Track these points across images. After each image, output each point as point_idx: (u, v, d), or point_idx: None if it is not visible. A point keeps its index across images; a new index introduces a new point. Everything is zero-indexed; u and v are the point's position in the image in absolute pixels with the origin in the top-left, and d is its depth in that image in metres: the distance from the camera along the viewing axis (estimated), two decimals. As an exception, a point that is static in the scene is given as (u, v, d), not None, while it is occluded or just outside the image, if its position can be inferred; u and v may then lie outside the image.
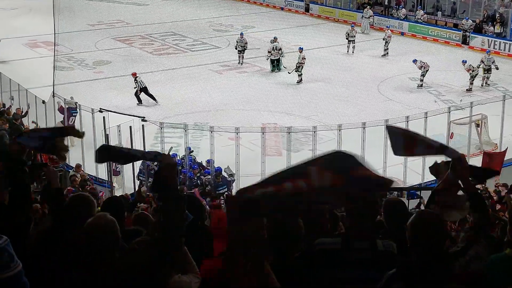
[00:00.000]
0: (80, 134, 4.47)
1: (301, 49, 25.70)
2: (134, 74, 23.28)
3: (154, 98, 23.06)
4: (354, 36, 30.19)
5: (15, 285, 3.11)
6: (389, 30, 30.93)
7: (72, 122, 19.47)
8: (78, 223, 3.72)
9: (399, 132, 3.99)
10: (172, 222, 3.39)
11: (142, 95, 22.96)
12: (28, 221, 4.32)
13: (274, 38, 27.66)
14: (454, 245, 3.62)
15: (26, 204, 4.30)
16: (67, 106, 19.63)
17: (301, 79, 25.41)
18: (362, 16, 35.48)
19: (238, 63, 28.01)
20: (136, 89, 23.01)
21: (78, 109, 19.28)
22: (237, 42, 28.30)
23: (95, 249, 3.45)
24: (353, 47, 29.91)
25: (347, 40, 30.07)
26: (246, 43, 28.18)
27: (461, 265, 3.27)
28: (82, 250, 3.49)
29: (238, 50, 28.14)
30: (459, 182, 3.74)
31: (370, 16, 35.40)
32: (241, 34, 28.46)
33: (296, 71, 25.48)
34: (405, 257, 3.47)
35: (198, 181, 16.91)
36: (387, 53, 29.33)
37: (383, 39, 29.88)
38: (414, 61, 25.20)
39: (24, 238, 4.03)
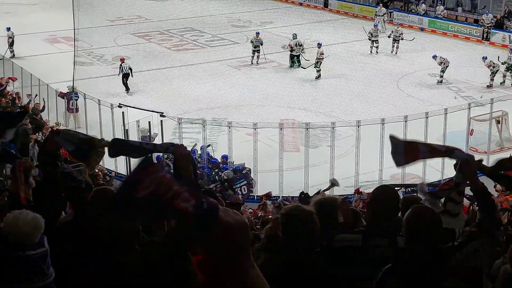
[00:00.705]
0: (107, 144, 4.47)
1: (319, 45, 25.60)
2: (122, 59, 24.14)
3: (127, 88, 23.59)
4: (377, 36, 29.18)
5: None
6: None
7: (74, 106, 19.74)
8: (100, 216, 3.74)
9: (399, 141, 3.91)
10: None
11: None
12: (57, 215, 4.36)
13: (294, 35, 27.50)
14: (454, 240, 3.59)
15: (57, 199, 4.34)
16: (67, 91, 19.93)
17: (320, 74, 25.33)
18: (376, 14, 34.22)
19: (251, 63, 27.59)
20: (120, 74, 23.72)
21: (79, 95, 19.67)
22: (251, 42, 27.90)
23: (115, 241, 3.46)
24: (377, 47, 28.89)
25: (369, 41, 29.04)
26: (262, 43, 27.62)
27: (458, 260, 3.24)
28: (103, 242, 3.50)
29: (253, 50, 27.71)
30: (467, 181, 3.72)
31: (384, 14, 34.09)
32: (257, 33, 28.03)
33: (314, 67, 25.40)
34: (401, 252, 3.47)
35: (216, 176, 16.95)
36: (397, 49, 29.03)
37: (389, 37, 29.14)
38: (434, 56, 24.99)
39: (52, 231, 4.06)
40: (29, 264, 3.05)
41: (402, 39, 28.63)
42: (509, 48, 26.29)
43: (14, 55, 28.10)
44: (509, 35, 30.50)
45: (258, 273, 2.74)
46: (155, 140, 17.28)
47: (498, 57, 24.52)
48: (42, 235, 3.15)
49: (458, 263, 3.22)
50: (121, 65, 23.94)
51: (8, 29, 28.40)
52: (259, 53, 27.54)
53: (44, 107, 20.01)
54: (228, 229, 2.59)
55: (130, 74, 23.72)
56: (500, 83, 24.45)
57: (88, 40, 28.59)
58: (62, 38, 30.66)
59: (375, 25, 29.81)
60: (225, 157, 17.14)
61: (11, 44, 28.45)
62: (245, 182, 16.67)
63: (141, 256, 3.49)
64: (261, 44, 27.56)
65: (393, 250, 3.64)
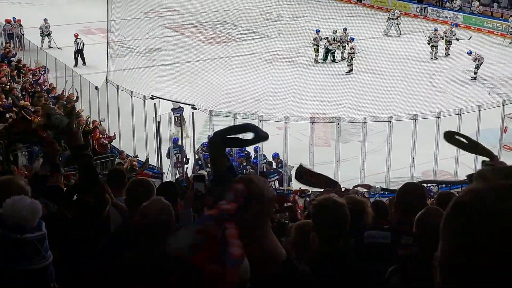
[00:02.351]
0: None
1: (352, 39, 25.45)
2: (76, 35, 26.33)
3: (76, 62, 25.64)
4: (437, 41, 27.28)
5: (40, 276, 3.25)
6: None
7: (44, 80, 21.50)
8: (137, 206, 3.80)
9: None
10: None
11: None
12: (103, 203, 4.45)
13: (334, 30, 27.32)
14: None
15: (97, 186, 4.43)
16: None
17: (351, 69, 25.19)
18: (389, 17, 32.09)
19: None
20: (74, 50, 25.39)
21: (46, 68, 21.43)
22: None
23: (150, 230, 3.51)
24: (436, 53, 27.27)
25: (429, 46, 27.35)
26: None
27: None
28: (137, 232, 3.56)
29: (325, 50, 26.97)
30: None
31: (398, 17, 31.87)
32: (352, 38, 26.49)
33: (347, 62, 25.29)
34: (406, 251, 3.46)
35: (244, 170, 17.01)
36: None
37: (443, 38, 27.79)
38: (469, 53, 24.68)
39: (100, 220, 4.15)
40: (27, 246, 3.19)
41: (457, 39, 27.32)
42: None
43: (49, 46, 28.49)
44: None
45: (275, 239, 2.79)
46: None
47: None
48: (40, 220, 3.27)
49: None
50: (75, 40, 26.38)
51: (45, 20, 28.72)
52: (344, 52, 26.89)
53: (77, 97, 20.28)
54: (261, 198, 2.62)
55: (82, 50, 25.96)
56: None
57: (121, 32, 28.86)
58: (96, 30, 30.98)
59: (435, 29, 27.86)
60: (256, 150, 17.19)
61: (45, 35, 28.81)
62: (277, 177, 16.73)
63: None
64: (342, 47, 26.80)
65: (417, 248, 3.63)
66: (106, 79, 20.42)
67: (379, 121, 17.54)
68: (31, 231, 3.22)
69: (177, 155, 17.37)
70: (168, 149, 17.41)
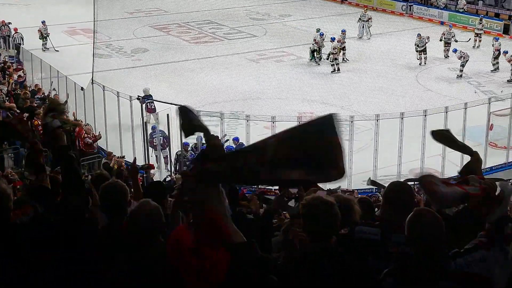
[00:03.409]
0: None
1: (332, 39, 25.50)
2: (3, 22, 27.37)
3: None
4: (424, 46, 26.16)
5: None
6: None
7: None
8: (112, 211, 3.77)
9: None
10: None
11: None
12: (85, 202, 4.40)
13: (317, 29, 27.38)
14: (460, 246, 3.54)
15: (80, 187, 4.39)
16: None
17: (336, 68, 25.16)
18: (360, 18, 30.78)
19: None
20: None
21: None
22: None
23: (140, 235, 3.49)
24: (425, 59, 26.23)
25: (416, 52, 26.33)
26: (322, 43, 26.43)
27: (458, 265, 3.22)
28: (127, 236, 3.53)
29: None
30: None
31: (369, 19, 30.64)
32: (332, 39, 26.22)
33: (330, 62, 25.28)
34: (402, 253, 3.45)
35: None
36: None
37: (441, 40, 27.55)
38: (454, 51, 24.81)
39: (83, 220, 4.10)
40: None
41: (456, 41, 26.98)
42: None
43: (47, 47, 28.32)
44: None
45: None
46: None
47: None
48: None
49: (458, 268, 3.20)
50: (13, 34, 27.54)
51: (43, 22, 28.48)
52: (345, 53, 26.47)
53: (66, 101, 20.12)
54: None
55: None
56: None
57: (107, 32, 28.74)
58: (81, 30, 30.82)
59: (419, 34, 26.46)
60: (236, 139, 17.20)
61: (44, 37, 28.49)
62: None
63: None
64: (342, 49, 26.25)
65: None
66: (92, 80, 20.31)
67: (366, 120, 17.59)
68: None
69: (159, 138, 17.75)
70: (151, 134, 17.76)
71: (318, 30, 27.07)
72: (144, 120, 18.10)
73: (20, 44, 27.23)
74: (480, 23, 29.09)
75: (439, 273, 3.16)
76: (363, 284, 3.31)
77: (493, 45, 25.81)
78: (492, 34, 31.15)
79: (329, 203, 3.44)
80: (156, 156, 17.70)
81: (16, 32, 28.08)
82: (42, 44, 28.33)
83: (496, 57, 25.06)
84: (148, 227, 3.50)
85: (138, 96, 18.71)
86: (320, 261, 3.27)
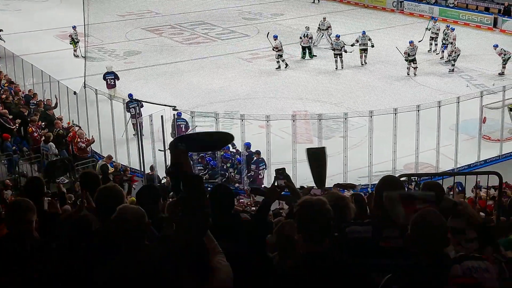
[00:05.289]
0: None
1: (337, 37, 25.58)
2: None
3: None
4: (415, 55, 24.32)
5: None
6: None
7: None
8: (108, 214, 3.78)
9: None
10: (195, 205, 3.40)
11: None
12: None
13: (307, 27, 27.41)
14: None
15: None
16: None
17: (340, 66, 25.25)
18: (319, 27, 29.05)
19: (336, 68, 25.59)
20: None
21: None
22: (332, 44, 26.21)
23: (123, 239, 3.50)
24: (415, 68, 24.47)
25: (406, 62, 24.43)
26: (343, 46, 25.42)
27: (465, 268, 3.18)
28: (112, 241, 3.54)
29: (334, 54, 25.66)
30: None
31: (328, 27, 28.80)
32: (337, 36, 25.80)
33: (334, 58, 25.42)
34: (404, 259, 3.44)
35: (223, 171, 17.10)
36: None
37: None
38: (445, 47, 24.86)
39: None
40: None
41: (447, 41, 25.97)
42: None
43: (77, 54, 27.87)
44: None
45: None
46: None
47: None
48: None
49: (457, 274, 3.18)
50: None
51: (74, 27, 27.96)
52: (342, 57, 25.69)
53: (56, 104, 20.13)
54: None
55: None
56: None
57: (98, 36, 28.68)
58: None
59: (411, 42, 24.53)
60: (247, 145, 17.23)
61: (75, 42, 28.05)
62: (265, 166, 16.84)
63: (152, 251, 3.51)
64: (343, 47, 25.49)
65: (404, 240, 3.64)
66: (84, 84, 20.29)
67: (360, 116, 17.63)
68: None
69: (135, 107, 18.65)
70: (127, 103, 18.74)
71: (308, 29, 27.16)
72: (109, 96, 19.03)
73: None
74: (434, 26, 27.59)
75: (442, 280, 3.11)
76: (359, 285, 3.32)
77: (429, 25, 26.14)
78: (482, 29, 31.33)
79: (322, 202, 3.44)
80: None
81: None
82: (74, 50, 27.99)
83: (454, 59, 24.67)
84: (131, 231, 3.51)
85: (128, 98, 18.71)
86: (316, 265, 3.28)
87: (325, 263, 3.29)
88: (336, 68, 25.36)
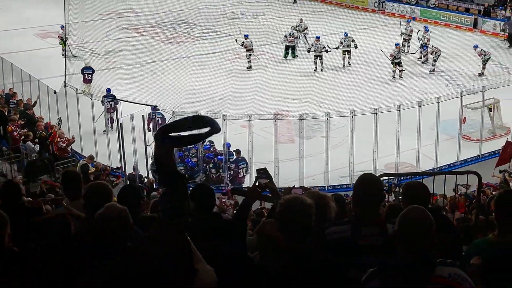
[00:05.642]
0: None
1: (317, 38, 25.67)
2: None
3: None
4: (401, 57, 24.52)
5: None
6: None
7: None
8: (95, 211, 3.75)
9: None
10: (175, 201, 3.38)
11: None
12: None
13: (292, 27, 27.45)
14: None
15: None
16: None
17: (320, 69, 25.17)
18: (295, 29, 28.29)
19: (314, 70, 25.49)
20: None
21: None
22: (312, 45, 25.87)
23: (107, 239, 3.48)
24: (401, 71, 24.26)
25: (392, 65, 24.33)
26: (324, 47, 25.31)
27: (444, 272, 3.20)
28: (96, 240, 3.52)
29: (314, 56, 25.47)
30: None
31: (305, 28, 28.39)
32: (317, 37, 25.62)
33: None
34: (389, 254, 3.45)
35: (205, 171, 17.11)
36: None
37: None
38: (425, 47, 25.05)
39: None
40: None
41: (421, 41, 26.20)
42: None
43: (65, 54, 27.10)
44: (500, 23, 30.58)
45: None
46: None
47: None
48: None
49: (443, 275, 3.18)
50: None
51: (62, 27, 27.35)
52: (322, 59, 25.56)
53: (36, 102, 19.96)
54: None
55: None
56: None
57: (79, 35, 28.50)
58: (53, 33, 30.45)
59: (397, 44, 24.62)
60: (227, 145, 17.27)
61: (65, 42, 27.49)
62: (246, 165, 16.85)
63: (135, 253, 3.49)
64: (324, 48, 25.33)
65: (382, 237, 3.66)
66: (65, 83, 20.15)
67: (341, 116, 17.69)
68: None
69: (110, 102, 19.02)
70: (103, 97, 19.22)
71: (293, 28, 27.24)
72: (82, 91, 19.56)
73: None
74: (407, 28, 27.55)
75: (426, 277, 3.10)
76: (342, 283, 3.33)
77: (403, 30, 26.26)
78: (462, 29, 31.63)
79: (305, 202, 3.44)
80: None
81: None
82: (63, 49, 27.49)
83: (435, 60, 25.04)
84: (114, 231, 3.49)
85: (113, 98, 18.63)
86: (299, 264, 3.28)
87: (307, 262, 3.29)
88: (315, 70, 25.37)
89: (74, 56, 26.99)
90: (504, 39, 29.32)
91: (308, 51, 26.10)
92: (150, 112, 18.18)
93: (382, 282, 3.18)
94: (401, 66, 24.36)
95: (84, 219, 4.28)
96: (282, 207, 3.44)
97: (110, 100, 19.25)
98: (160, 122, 18.07)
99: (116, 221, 3.53)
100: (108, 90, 20.19)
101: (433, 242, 3.22)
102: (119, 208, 3.61)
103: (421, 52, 26.22)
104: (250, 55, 25.78)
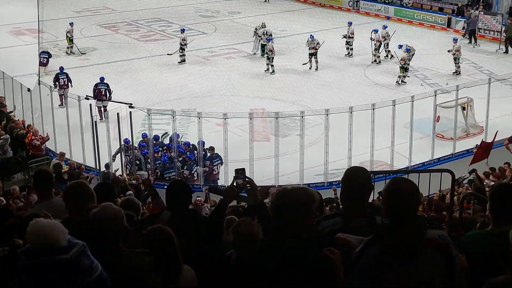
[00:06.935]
0: None
1: (269, 40, 25.62)
2: None
3: None
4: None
5: (102, 283, 3.18)
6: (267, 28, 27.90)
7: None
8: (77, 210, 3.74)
9: None
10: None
11: None
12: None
13: (263, 24, 27.44)
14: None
15: None
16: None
17: (273, 70, 24.95)
18: (255, 32, 27.89)
19: (309, 68, 25.37)
20: None
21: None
22: (307, 42, 25.57)
23: (101, 239, 3.46)
24: (404, 77, 23.80)
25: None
26: (318, 43, 25.24)
27: (435, 233, 3.34)
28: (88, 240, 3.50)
29: (309, 54, 25.41)
30: None
31: (265, 34, 27.10)
32: (312, 36, 25.47)
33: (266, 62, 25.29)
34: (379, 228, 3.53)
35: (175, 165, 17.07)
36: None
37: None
38: (400, 46, 25.23)
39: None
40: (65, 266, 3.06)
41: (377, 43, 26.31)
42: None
43: (71, 52, 27.56)
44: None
45: None
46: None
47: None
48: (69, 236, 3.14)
49: (434, 237, 3.29)
50: None
51: (71, 24, 27.55)
52: (316, 57, 25.50)
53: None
54: None
55: None
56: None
57: (53, 32, 28.20)
58: (26, 30, 30.12)
59: (408, 50, 24.14)
60: (186, 144, 17.22)
61: (71, 40, 27.56)
62: (220, 161, 16.83)
63: (128, 257, 3.48)
64: (318, 44, 25.26)
65: (372, 228, 3.71)
66: (39, 81, 19.94)
67: (316, 115, 17.76)
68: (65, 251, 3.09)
69: (63, 79, 21.00)
70: (56, 74, 21.10)
71: (263, 25, 27.18)
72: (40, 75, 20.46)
73: None
74: (385, 29, 27.21)
75: (419, 241, 3.23)
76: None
77: (371, 38, 26.20)
78: (436, 29, 31.95)
79: (300, 198, 3.46)
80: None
81: None
82: (68, 47, 27.50)
83: (376, 49, 25.70)
84: (111, 229, 3.47)
85: (87, 95, 18.45)
86: (292, 256, 3.31)
87: (303, 260, 3.32)
88: (310, 68, 25.36)
89: (82, 53, 27.30)
90: (463, 36, 29.70)
91: (254, 54, 26.79)
92: (97, 83, 20.11)
93: (381, 247, 3.25)
94: (407, 71, 24.01)
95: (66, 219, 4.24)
96: (276, 197, 3.48)
97: (65, 77, 21.01)
98: (103, 93, 20.18)
99: (112, 221, 3.51)
100: (61, 68, 21.97)
101: (420, 203, 3.36)
102: (114, 209, 3.60)
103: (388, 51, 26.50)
104: (183, 49, 26.18)
